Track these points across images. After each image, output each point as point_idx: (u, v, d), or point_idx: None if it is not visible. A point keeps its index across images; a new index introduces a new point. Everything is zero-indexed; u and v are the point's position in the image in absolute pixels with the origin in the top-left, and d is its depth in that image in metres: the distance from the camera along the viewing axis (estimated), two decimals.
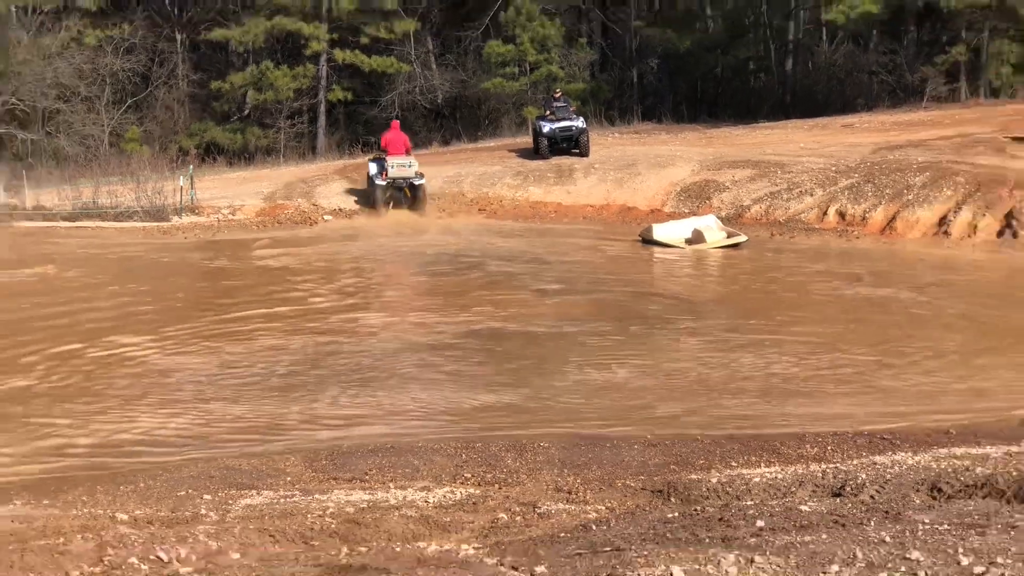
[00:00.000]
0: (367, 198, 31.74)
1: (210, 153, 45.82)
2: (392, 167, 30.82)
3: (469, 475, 10.40)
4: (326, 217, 31.62)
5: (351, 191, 33.40)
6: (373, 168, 31.55)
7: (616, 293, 21.66)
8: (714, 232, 27.08)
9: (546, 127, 35.37)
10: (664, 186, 32.19)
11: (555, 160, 34.65)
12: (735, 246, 26.66)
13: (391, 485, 10.04)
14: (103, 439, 12.26)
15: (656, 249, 26.84)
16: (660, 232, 27.46)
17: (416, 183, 31.04)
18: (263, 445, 12.00)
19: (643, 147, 36.34)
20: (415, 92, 50.63)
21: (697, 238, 26.86)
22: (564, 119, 35.36)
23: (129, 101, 47.41)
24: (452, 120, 51.02)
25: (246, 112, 49.78)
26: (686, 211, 30.40)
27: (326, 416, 13.32)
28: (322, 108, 50.46)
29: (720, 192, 31.22)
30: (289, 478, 10.44)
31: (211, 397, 14.16)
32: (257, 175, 38.13)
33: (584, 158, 34.79)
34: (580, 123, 35.65)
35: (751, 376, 15.06)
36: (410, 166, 30.98)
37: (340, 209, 32.20)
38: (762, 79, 52.92)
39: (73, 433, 12.53)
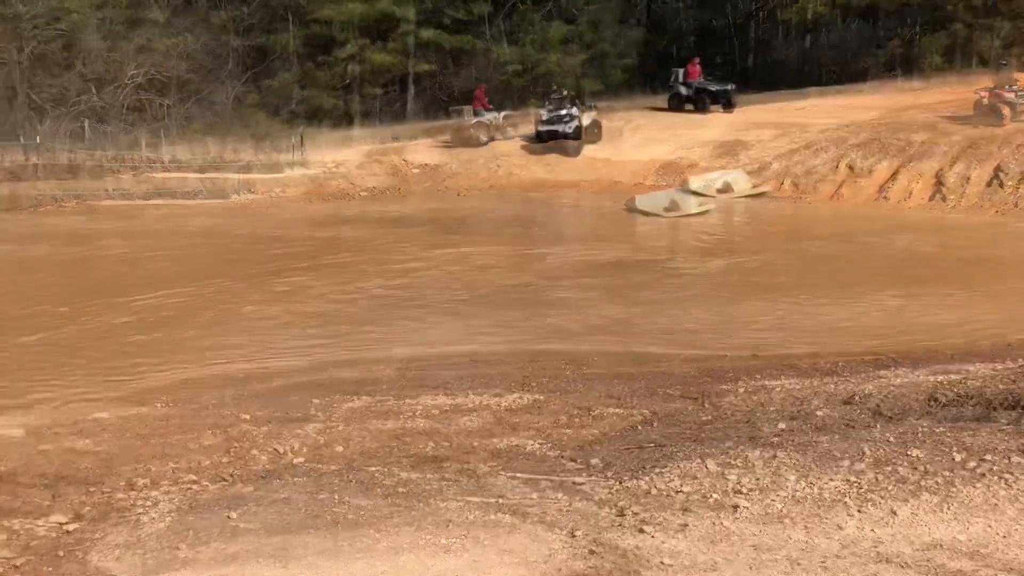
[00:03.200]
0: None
1: (317, 116, 45.90)
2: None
3: (534, 384, 10.40)
4: (414, 171, 31.58)
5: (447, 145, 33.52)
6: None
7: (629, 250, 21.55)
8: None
9: (540, 125, 32.57)
10: (699, 144, 31.83)
11: (606, 124, 34.17)
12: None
13: (469, 392, 10.07)
14: (232, 357, 12.36)
15: (687, 197, 26.38)
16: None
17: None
18: (364, 358, 12.05)
19: (681, 112, 35.96)
20: (489, 67, 50.42)
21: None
22: (556, 120, 32.20)
23: (249, 72, 47.54)
24: (521, 90, 50.70)
25: (347, 82, 49.79)
26: (718, 165, 30.07)
27: (425, 338, 13.35)
28: (410, 79, 50.37)
29: (748, 149, 30.85)
30: (384, 385, 10.49)
31: (324, 322, 14.24)
32: (356, 136, 38.15)
33: (631, 120, 34.40)
34: (567, 127, 32.00)
35: (767, 311, 14.94)
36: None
37: (426, 164, 32.14)
38: (785, 52, 52.11)
39: (203, 349, 12.65)
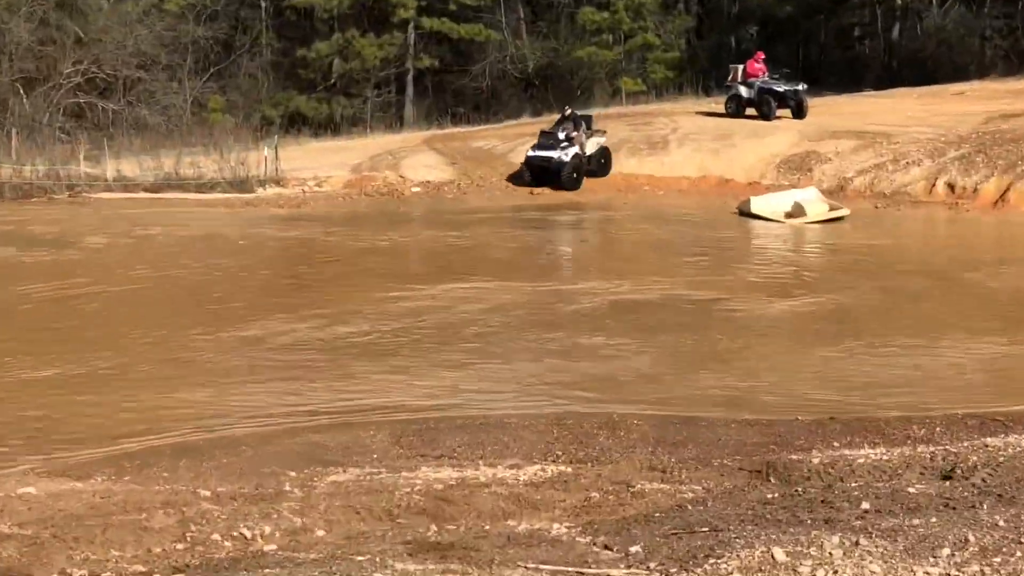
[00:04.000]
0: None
1: (294, 124, 46.10)
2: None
3: (560, 452, 10.38)
4: (414, 189, 31.69)
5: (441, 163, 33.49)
6: None
7: (705, 267, 21.55)
8: (815, 205, 26.83)
9: (528, 154, 31.48)
10: (763, 157, 31.90)
11: (647, 130, 34.36)
12: (838, 220, 26.40)
13: (480, 462, 10.05)
14: (185, 414, 12.37)
15: (755, 223, 26.61)
16: (759, 205, 27.25)
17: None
18: (349, 420, 12.05)
19: (740, 118, 36.00)
20: (505, 61, 50.62)
21: (797, 211, 26.62)
22: (546, 147, 31.09)
23: (212, 70, 47.81)
24: (543, 90, 50.94)
25: (332, 82, 50.02)
26: (786, 183, 30.12)
27: (413, 389, 13.34)
28: (410, 77, 50.63)
29: (822, 164, 30.89)
30: (375, 454, 10.48)
31: (295, 372, 14.23)
32: (343, 146, 38.28)
33: (677, 128, 34.50)
34: (564, 154, 30.82)
35: (851, 357, 14.90)
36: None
37: (428, 181, 32.24)
38: (867, 45, 52.29)
39: (154, 407, 12.65)
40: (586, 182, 31.09)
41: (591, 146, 31.72)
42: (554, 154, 30.84)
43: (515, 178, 31.79)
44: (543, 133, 31.83)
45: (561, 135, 31.13)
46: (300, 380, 13.80)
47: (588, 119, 32.74)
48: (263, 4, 50.70)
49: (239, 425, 11.98)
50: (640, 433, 11.21)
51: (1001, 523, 7.23)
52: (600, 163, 31.88)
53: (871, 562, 6.76)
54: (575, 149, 31.03)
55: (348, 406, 12.66)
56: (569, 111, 32.52)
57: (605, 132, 32.79)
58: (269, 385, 13.61)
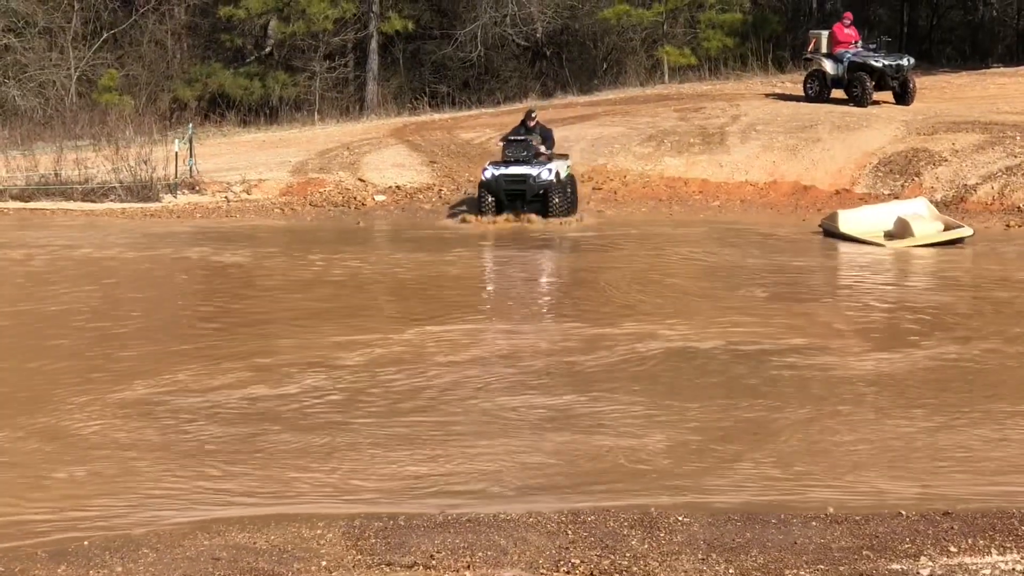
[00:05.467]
0: None
1: (217, 107, 46.16)
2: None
3: (577, 561, 10.37)
4: (378, 197, 31.77)
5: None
6: None
7: (776, 306, 21.58)
8: (926, 223, 26.84)
9: (488, 172, 30.85)
10: (855, 157, 31.99)
11: (698, 119, 34.48)
12: (956, 242, 26.40)
13: (468, 574, 10.03)
14: (65, 505, 12.34)
15: (843, 246, 26.64)
16: (849, 222, 27.28)
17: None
18: (289, 513, 12.03)
19: (824, 103, 36.10)
20: (504, 23, 50.69)
21: (901, 231, 26.63)
22: (520, 160, 30.61)
23: (105, 35, 47.88)
24: (556, 63, 51.06)
25: (267, 50, 50.12)
26: (886, 192, 30.17)
27: (377, 472, 13.34)
28: (373, 45, 50.69)
29: (935, 166, 30.96)
30: (325, 561, 10.46)
31: (211, 447, 14.22)
32: (282, 138, 38.45)
33: (739, 117, 34.59)
34: (548, 172, 30.38)
35: (972, 431, 14.89)
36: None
37: (397, 187, 32.31)
38: (995, 6, 52.45)
39: (19, 495, 12.63)
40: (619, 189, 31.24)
41: (562, 169, 31.01)
42: (532, 170, 30.14)
43: (470, 205, 31.38)
44: (510, 142, 31.03)
45: (527, 146, 30.58)
46: (218, 457, 13.77)
47: (549, 134, 31.87)
48: None
49: (136, 520, 11.95)
50: (687, 534, 11.19)
51: None
52: (564, 193, 30.73)
53: None
54: (552, 166, 30.49)
55: (284, 492, 12.63)
56: (535, 117, 31.81)
57: (567, 157, 32.21)
58: (175, 464, 13.57)
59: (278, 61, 50.01)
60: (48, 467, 13.54)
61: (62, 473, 13.30)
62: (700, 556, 10.54)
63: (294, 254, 25.89)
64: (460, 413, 15.58)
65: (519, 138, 30.88)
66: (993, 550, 10.46)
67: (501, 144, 31.25)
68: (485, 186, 30.26)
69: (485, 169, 30.62)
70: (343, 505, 12.22)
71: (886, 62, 35.59)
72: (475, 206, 30.67)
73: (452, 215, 31.05)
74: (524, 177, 29.87)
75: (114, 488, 12.91)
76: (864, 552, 10.54)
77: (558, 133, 32.96)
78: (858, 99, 35.04)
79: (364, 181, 32.56)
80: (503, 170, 30.20)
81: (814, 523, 11.49)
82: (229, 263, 25.26)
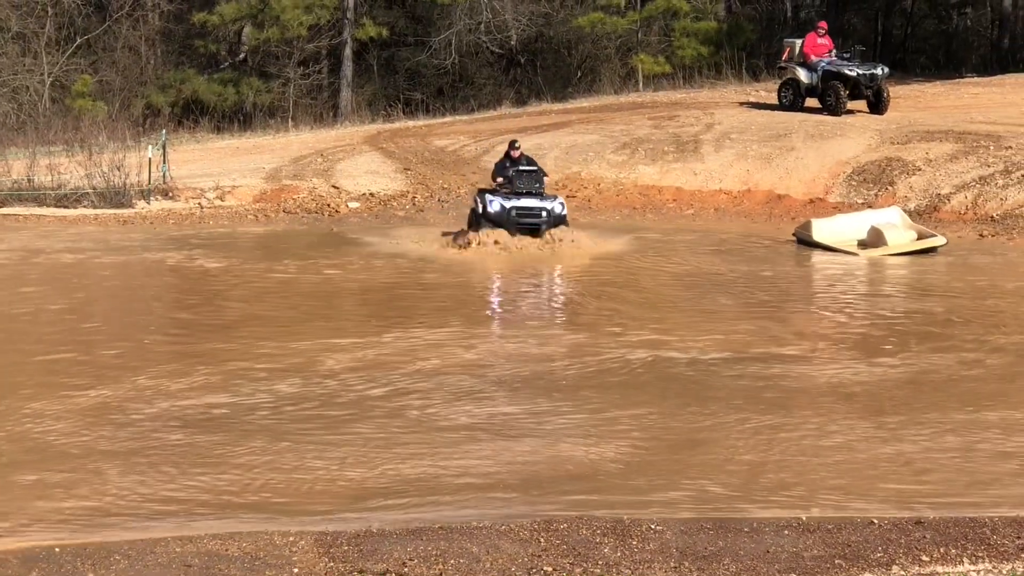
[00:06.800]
0: None
1: (190, 114, 46.08)
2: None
3: (550, 568, 10.37)
4: (352, 204, 31.75)
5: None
6: None
7: (751, 316, 21.60)
8: (899, 232, 26.89)
9: (495, 203, 28.44)
10: (829, 166, 32.03)
11: (672, 127, 34.50)
12: (929, 251, 26.46)
13: None
14: (37, 509, 12.32)
15: (816, 254, 26.68)
16: (822, 231, 27.32)
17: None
18: (260, 520, 12.02)
19: (798, 112, 36.16)
20: (478, 30, 50.73)
21: (875, 240, 26.68)
22: (532, 193, 28.44)
23: (79, 40, 47.79)
24: (530, 71, 51.09)
25: (241, 57, 50.08)
26: (859, 201, 30.22)
27: (348, 479, 13.33)
28: (347, 52, 50.66)
29: (909, 175, 31.01)
30: (297, 569, 10.44)
31: (181, 452, 14.20)
32: (256, 145, 38.38)
33: (713, 125, 34.63)
34: (560, 206, 28.59)
35: (943, 439, 14.93)
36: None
37: (372, 194, 32.29)
38: (969, 16, 52.56)
39: (0, 502, 12.62)
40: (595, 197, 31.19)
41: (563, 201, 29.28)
42: (547, 204, 28.42)
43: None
44: (520, 172, 28.69)
45: (537, 178, 28.68)
46: (189, 463, 13.75)
47: (535, 162, 29.96)
48: None
49: (108, 526, 11.93)
50: (659, 543, 11.19)
51: None
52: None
53: None
54: (560, 201, 28.91)
55: (258, 501, 12.62)
56: (519, 147, 29.45)
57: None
58: (146, 470, 13.55)
59: (252, 67, 49.97)
60: (17, 473, 13.52)
61: (31, 478, 13.28)
62: (672, 564, 10.55)
63: (266, 261, 25.84)
64: (429, 420, 15.58)
65: (531, 168, 28.85)
66: (965, 559, 10.48)
67: (507, 175, 28.54)
68: (491, 218, 28.20)
69: (489, 200, 28.28)
70: (315, 512, 12.22)
71: (860, 71, 35.65)
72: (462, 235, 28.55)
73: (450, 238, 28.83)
74: (539, 211, 28.17)
75: (85, 493, 12.89)
76: (836, 561, 10.55)
77: (531, 141, 32.80)
78: (832, 108, 35.12)
79: (338, 188, 32.50)
80: (515, 202, 28.15)
81: (786, 531, 11.50)
82: (201, 269, 25.21)
